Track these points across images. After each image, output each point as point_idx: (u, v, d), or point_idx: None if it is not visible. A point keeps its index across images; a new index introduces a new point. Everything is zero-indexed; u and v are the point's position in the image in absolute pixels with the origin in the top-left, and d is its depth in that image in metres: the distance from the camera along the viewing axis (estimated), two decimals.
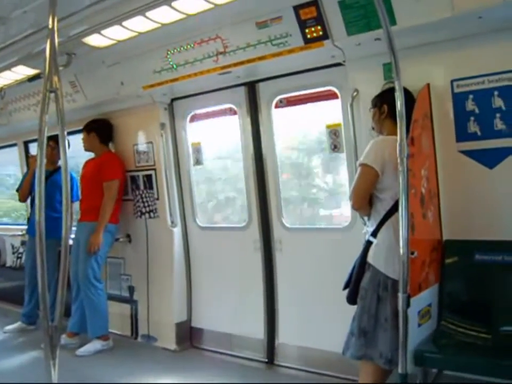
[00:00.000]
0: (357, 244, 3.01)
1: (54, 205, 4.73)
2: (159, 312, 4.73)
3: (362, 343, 2.70)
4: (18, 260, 6.16)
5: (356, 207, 2.87)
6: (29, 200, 5.42)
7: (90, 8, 3.42)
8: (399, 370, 2.49)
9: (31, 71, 4.62)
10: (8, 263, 6.43)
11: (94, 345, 4.49)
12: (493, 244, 2.90)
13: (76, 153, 4.99)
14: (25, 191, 5.14)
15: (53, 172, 5.01)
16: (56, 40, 1.95)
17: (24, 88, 5.13)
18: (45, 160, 1.91)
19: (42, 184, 1.90)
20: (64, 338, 4.45)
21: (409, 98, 2.78)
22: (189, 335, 4.69)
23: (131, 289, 4.98)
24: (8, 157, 6.45)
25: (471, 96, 2.93)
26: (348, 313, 2.93)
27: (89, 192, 4.70)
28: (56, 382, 1.87)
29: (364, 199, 2.78)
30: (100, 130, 4.80)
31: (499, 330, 2.74)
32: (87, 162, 4.89)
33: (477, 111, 2.93)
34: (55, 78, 1.94)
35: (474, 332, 2.79)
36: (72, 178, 5.10)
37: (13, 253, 6.31)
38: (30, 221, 5.26)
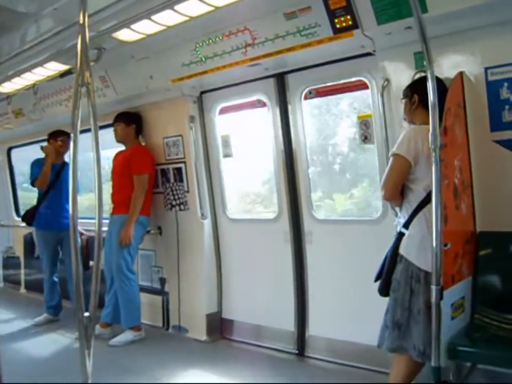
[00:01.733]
0: (388, 235, 2.99)
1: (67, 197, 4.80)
2: (190, 303, 4.78)
3: (397, 336, 2.69)
4: None
5: (387, 197, 2.84)
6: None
7: (119, 3, 3.44)
8: (432, 364, 2.46)
9: (63, 67, 4.69)
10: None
11: (126, 335, 4.57)
12: None
13: (103, 146, 5.04)
14: (45, 179, 5.14)
15: (63, 166, 5.23)
16: (87, 36, 1.97)
17: (56, 84, 5.22)
18: (76, 155, 1.93)
19: (76, 179, 1.93)
20: (97, 329, 4.54)
21: (441, 86, 2.73)
22: (219, 326, 4.73)
23: (162, 281, 5.04)
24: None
25: (505, 84, 2.86)
26: (378, 305, 2.91)
27: (120, 185, 4.75)
28: (91, 371, 1.90)
29: (396, 190, 2.75)
30: (139, 123, 4.89)
31: None
32: (117, 155, 4.95)
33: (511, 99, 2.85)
34: (87, 73, 1.95)
35: (509, 325, 2.74)
36: (36, 165, 5.25)
37: None
38: (38, 213, 5.29)
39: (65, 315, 5.31)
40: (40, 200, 5.29)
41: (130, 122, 4.82)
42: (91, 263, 4.79)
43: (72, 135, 1.95)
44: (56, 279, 5.39)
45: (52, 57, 4.45)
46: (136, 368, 3.94)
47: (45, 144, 5.30)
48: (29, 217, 5.37)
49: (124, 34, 3.95)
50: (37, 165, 5.30)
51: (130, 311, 4.63)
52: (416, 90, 2.81)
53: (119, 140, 4.88)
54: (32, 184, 5.29)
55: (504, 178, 2.94)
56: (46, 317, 5.32)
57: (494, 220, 2.97)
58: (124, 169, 4.72)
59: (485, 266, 2.95)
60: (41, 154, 5.28)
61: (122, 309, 4.64)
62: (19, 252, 7.09)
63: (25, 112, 6.08)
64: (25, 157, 6.98)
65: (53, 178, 5.18)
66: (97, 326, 4.59)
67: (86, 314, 1.90)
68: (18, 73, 4.96)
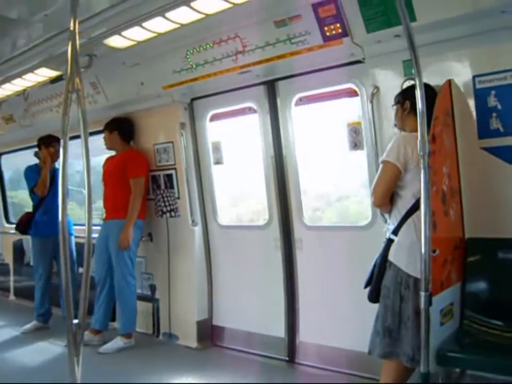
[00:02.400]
0: (378, 242, 2.99)
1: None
2: (181, 310, 4.76)
3: (388, 342, 2.70)
4: None
5: (378, 204, 2.86)
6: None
7: (110, 9, 3.45)
8: (421, 370, 2.46)
9: (53, 73, 4.68)
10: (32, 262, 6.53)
11: (117, 343, 4.55)
12: None
13: (94, 152, 5.02)
14: (45, 185, 5.10)
15: (55, 172, 5.20)
16: (78, 42, 1.98)
17: (47, 90, 5.22)
18: (66, 161, 1.93)
19: (65, 184, 1.93)
20: (86, 335, 4.50)
21: (433, 94, 2.76)
22: (210, 333, 4.71)
23: (152, 288, 5.02)
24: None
25: (493, 92, 2.89)
26: (368, 311, 2.93)
27: (114, 189, 4.72)
28: (80, 378, 1.89)
29: (386, 196, 2.77)
30: (121, 128, 4.84)
31: None
32: (107, 160, 4.92)
33: (499, 107, 2.89)
34: (77, 79, 1.96)
35: (498, 331, 2.76)
36: (33, 172, 5.22)
37: None
38: (35, 221, 5.24)
39: (55, 322, 5.26)
40: (35, 207, 5.25)
41: (113, 129, 4.81)
42: (80, 269, 4.78)
43: (62, 141, 1.95)
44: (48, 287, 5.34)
45: (43, 63, 4.45)
46: (126, 376, 3.91)
47: (34, 150, 5.28)
48: (24, 226, 5.31)
49: (115, 41, 3.96)
50: (30, 171, 5.27)
51: (128, 317, 4.62)
52: (408, 96, 2.83)
53: (107, 147, 4.88)
54: (31, 191, 5.23)
55: (492, 185, 2.97)
56: (35, 324, 5.26)
57: (482, 226, 3.00)
58: (117, 174, 4.69)
59: (474, 272, 2.98)
60: (31, 161, 5.26)
61: (121, 314, 4.62)
62: (8, 258, 7.03)
63: (16, 118, 6.06)
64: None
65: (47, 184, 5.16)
66: (87, 333, 4.55)
67: (75, 321, 1.90)
68: (8, 79, 4.95)
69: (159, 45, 3.97)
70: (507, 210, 2.93)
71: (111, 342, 4.54)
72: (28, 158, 5.56)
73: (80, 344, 1.91)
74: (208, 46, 3.88)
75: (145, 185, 4.76)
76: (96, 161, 5.09)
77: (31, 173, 5.26)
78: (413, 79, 2.50)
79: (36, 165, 5.28)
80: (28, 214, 5.34)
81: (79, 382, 1.89)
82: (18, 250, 6.64)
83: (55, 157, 5.18)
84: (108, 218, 4.76)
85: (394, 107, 2.98)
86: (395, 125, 3.02)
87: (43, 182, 5.09)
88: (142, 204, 4.68)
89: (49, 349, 4.66)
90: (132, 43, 3.97)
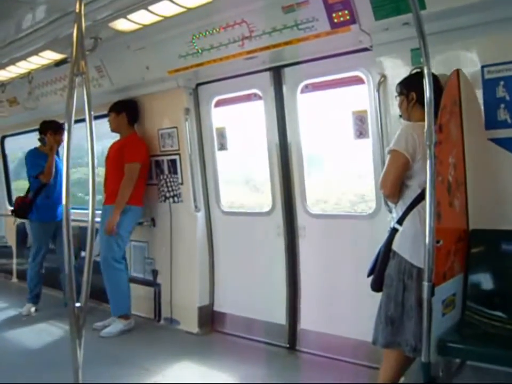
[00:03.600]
0: (381, 231, 2.99)
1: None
2: (182, 295, 4.78)
3: (390, 331, 2.70)
4: None
5: (388, 194, 2.84)
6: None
7: None
8: (422, 359, 2.48)
9: (58, 56, 4.66)
10: None
11: (116, 326, 4.57)
12: None
13: (99, 137, 5.01)
14: (51, 172, 5.11)
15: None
16: (83, 25, 1.96)
17: (51, 73, 5.19)
18: (70, 145, 1.91)
19: (69, 170, 1.92)
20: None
21: (436, 83, 2.73)
22: (211, 319, 4.73)
23: (154, 273, 5.04)
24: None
25: (501, 83, 2.86)
26: (370, 300, 2.94)
27: (113, 174, 4.73)
28: (82, 361, 1.90)
29: (396, 186, 2.75)
30: (130, 111, 4.84)
31: None
32: (112, 145, 4.92)
33: (507, 98, 2.85)
34: (82, 62, 1.94)
35: (499, 322, 2.76)
36: (38, 158, 5.20)
37: None
38: (36, 206, 5.24)
39: (57, 305, 5.29)
40: (36, 192, 5.24)
41: (121, 110, 4.80)
42: (82, 253, 4.79)
43: (66, 124, 1.93)
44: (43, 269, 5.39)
45: (47, 45, 4.42)
46: (127, 359, 3.95)
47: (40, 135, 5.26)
48: (24, 210, 5.30)
49: (121, 24, 3.93)
50: (33, 156, 5.25)
51: (118, 300, 4.64)
52: (413, 87, 2.80)
53: (112, 129, 4.88)
54: (36, 177, 5.20)
55: (498, 177, 2.95)
56: (29, 306, 5.27)
57: (486, 217, 2.98)
58: (117, 159, 4.70)
59: (477, 264, 2.97)
60: (32, 144, 5.25)
61: (110, 298, 4.65)
62: (11, 241, 7.06)
63: (20, 101, 6.05)
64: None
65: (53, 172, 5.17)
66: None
67: (78, 304, 1.90)
68: (13, 61, 4.93)
69: (165, 29, 3.94)
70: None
71: (111, 326, 4.58)
72: (31, 141, 5.55)
73: (82, 327, 1.91)
74: (214, 30, 3.84)
75: (143, 172, 4.74)
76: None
77: (33, 158, 5.25)
78: (421, 68, 2.47)
79: (36, 149, 5.26)
80: (22, 199, 5.34)
81: (80, 364, 1.90)
82: (22, 233, 6.66)
83: (60, 142, 5.17)
84: (106, 203, 4.76)
85: (398, 98, 2.95)
86: (400, 116, 2.99)
87: (49, 169, 5.10)
88: (138, 190, 4.68)
89: (51, 331, 4.70)
90: (138, 26, 3.94)
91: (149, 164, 4.90)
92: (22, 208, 5.32)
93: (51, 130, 5.19)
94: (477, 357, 2.67)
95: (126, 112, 4.80)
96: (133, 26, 3.95)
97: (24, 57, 4.78)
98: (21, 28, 4.15)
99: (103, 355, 3.93)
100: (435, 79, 2.71)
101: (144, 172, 4.79)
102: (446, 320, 2.72)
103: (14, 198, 6.19)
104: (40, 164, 5.15)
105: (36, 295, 5.34)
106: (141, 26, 3.92)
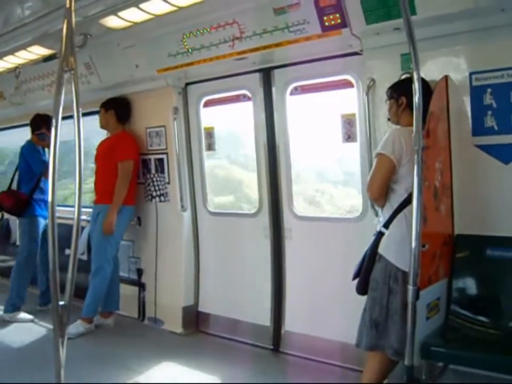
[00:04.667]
0: (367, 234, 3.01)
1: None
2: (167, 295, 4.76)
3: (374, 334, 2.72)
4: None
5: (374, 197, 2.86)
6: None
7: None
8: (406, 362, 2.49)
9: (47, 51, 4.62)
10: (18, 242, 6.48)
11: (77, 327, 4.41)
12: (505, 239, 2.88)
13: (88, 134, 4.96)
14: None
15: None
16: (73, 20, 1.94)
17: (39, 68, 5.14)
18: (57, 141, 1.89)
19: (55, 166, 1.90)
20: (98, 319, 4.61)
21: (426, 89, 2.75)
22: (195, 320, 4.71)
23: (139, 272, 5.00)
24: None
25: (489, 90, 2.89)
26: (355, 303, 2.95)
27: (104, 173, 4.68)
28: (64, 359, 1.88)
29: (382, 189, 2.77)
30: (118, 109, 4.78)
31: (507, 326, 2.74)
32: (101, 142, 4.88)
33: (494, 105, 2.89)
34: (71, 59, 1.92)
35: (482, 327, 2.79)
36: (41, 154, 5.11)
37: None
38: (36, 201, 5.09)
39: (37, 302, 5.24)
40: (33, 189, 5.10)
41: (109, 108, 4.75)
42: (67, 251, 4.74)
43: (53, 121, 1.91)
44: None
45: (36, 40, 4.37)
46: (110, 358, 3.92)
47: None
48: (20, 208, 5.08)
49: (111, 21, 3.90)
50: (34, 151, 5.11)
51: (93, 302, 4.54)
52: (404, 92, 2.82)
53: (101, 126, 4.84)
54: (39, 174, 5.03)
55: (484, 183, 2.98)
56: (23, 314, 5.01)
57: (471, 223, 3.01)
58: (107, 157, 4.65)
59: (461, 268, 3.00)
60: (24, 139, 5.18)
61: (88, 296, 4.53)
62: None
63: (6, 96, 5.98)
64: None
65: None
66: (98, 316, 4.63)
67: (61, 303, 1.88)
68: (0, 56, 4.87)
69: (156, 27, 3.93)
70: (497, 208, 2.95)
71: (71, 326, 4.31)
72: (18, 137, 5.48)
73: (65, 326, 1.90)
74: (205, 30, 3.83)
75: (135, 170, 4.70)
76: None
77: (36, 154, 5.09)
78: (410, 73, 2.49)
79: (33, 144, 5.14)
80: (13, 195, 5.17)
81: (62, 363, 1.88)
82: (5, 229, 6.57)
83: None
84: (97, 202, 4.72)
85: (388, 102, 2.97)
86: (388, 119, 3.01)
87: None
88: (130, 189, 4.64)
89: (35, 330, 4.65)
90: (128, 24, 3.91)
91: (139, 161, 4.86)
92: (18, 205, 5.09)
93: (47, 125, 5.06)
94: (460, 361, 2.70)
95: (114, 109, 4.75)
96: (123, 24, 3.92)
97: (11, 52, 4.72)
98: (9, 21, 4.10)
99: (86, 354, 3.90)
100: (425, 84, 2.73)
101: (135, 170, 4.74)
102: (430, 324, 2.75)
103: None
104: (43, 160, 5.02)
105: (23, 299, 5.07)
106: (131, 24, 3.90)
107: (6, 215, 5.71)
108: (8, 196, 5.21)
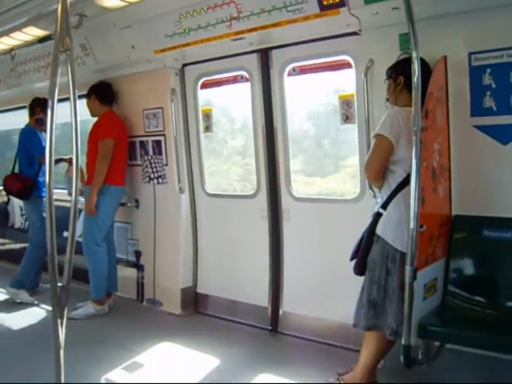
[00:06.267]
0: (365, 215, 3.01)
1: None
2: (165, 277, 4.78)
3: (372, 314, 2.74)
4: (27, 222, 6.16)
5: (372, 178, 2.86)
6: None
7: None
8: (403, 342, 2.52)
9: (42, 32, 4.57)
10: (17, 225, 6.49)
11: (87, 309, 4.49)
12: (502, 220, 2.89)
13: (87, 116, 4.93)
14: None
15: None
16: (68, 0, 1.92)
17: (34, 50, 5.09)
18: (53, 123, 1.88)
19: (52, 148, 1.89)
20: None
21: (426, 69, 2.73)
22: (194, 301, 4.74)
23: (138, 254, 5.02)
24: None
25: (488, 70, 2.87)
26: (352, 283, 2.96)
27: (92, 154, 4.62)
28: (63, 340, 1.90)
29: (380, 171, 2.77)
30: (98, 92, 4.75)
31: (504, 306, 2.76)
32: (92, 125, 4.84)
33: (493, 85, 2.87)
34: (67, 39, 1.91)
35: (479, 307, 2.81)
36: (39, 138, 5.07)
37: (22, 215, 6.34)
38: (41, 183, 5.07)
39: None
40: (37, 172, 5.09)
41: (90, 94, 4.74)
42: (65, 233, 4.74)
43: (49, 102, 1.90)
44: None
45: (31, 21, 4.32)
46: (109, 339, 3.94)
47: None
48: (26, 191, 5.09)
49: (107, 1, 3.86)
50: (35, 136, 5.08)
51: (95, 284, 4.56)
52: (401, 72, 2.81)
53: (92, 114, 4.81)
54: (38, 158, 5.01)
55: (482, 164, 2.98)
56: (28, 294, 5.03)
57: (469, 204, 3.02)
58: (92, 137, 4.63)
59: (458, 249, 3.01)
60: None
61: (90, 280, 4.57)
62: None
63: (1, 78, 5.92)
64: None
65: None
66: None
67: (60, 284, 1.89)
68: None
69: (152, 7, 3.88)
70: (495, 189, 2.95)
71: (82, 308, 4.49)
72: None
73: (64, 307, 1.91)
74: (202, 10, 3.78)
75: (120, 149, 4.62)
76: None
77: (37, 139, 5.07)
78: (409, 53, 2.47)
79: (32, 128, 5.11)
80: (19, 178, 5.17)
81: (62, 344, 1.90)
82: (3, 213, 6.56)
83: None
84: (87, 183, 4.65)
85: (386, 81, 2.95)
86: (387, 100, 3.00)
87: None
88: (117, 169, 4.59)
89: (34, 311, 4.68)
90: (124, 4, 3.87)
91: (127, 141, 4.80)
92: (25, 188, 5.09)
93: (45, 110, 4.99)
94: (456, 340, 2.73)
95: (95, 94, 4.73)
96: (119, 4, 3.87)
97: (6, 33, 4.67)
98: (4, 2, 4.05)
99: (85, 335, 3.92)
100: (425, 64, 2.71)
101: (120, 149, 4.65)
102: (427, 304, 2.76)
103: None
104: (43, 145, 4.93)
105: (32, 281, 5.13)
106: (127, 4, 3.86)
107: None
108: (14, 180, 5.21)
